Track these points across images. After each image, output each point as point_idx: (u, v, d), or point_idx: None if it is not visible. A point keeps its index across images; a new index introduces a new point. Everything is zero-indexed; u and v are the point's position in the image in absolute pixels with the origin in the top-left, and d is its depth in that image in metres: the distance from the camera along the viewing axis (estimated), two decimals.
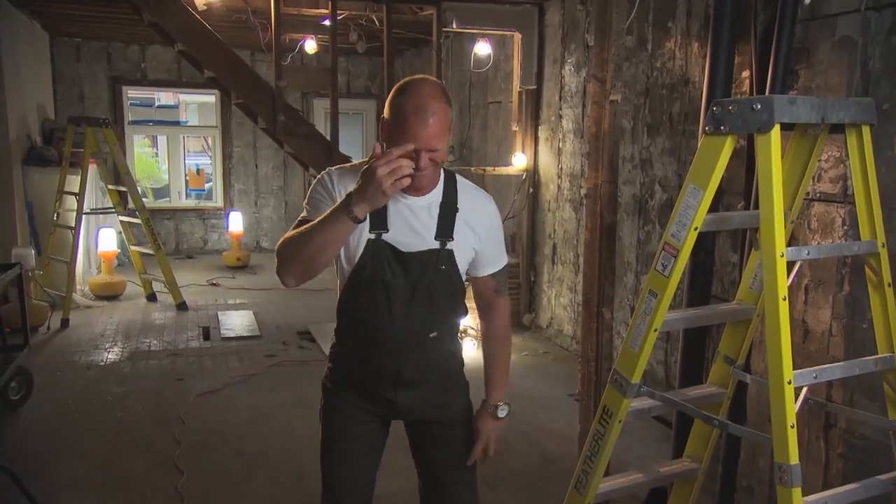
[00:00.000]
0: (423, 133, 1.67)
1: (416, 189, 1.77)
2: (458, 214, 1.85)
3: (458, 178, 1.91)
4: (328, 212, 1.66)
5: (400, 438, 2.11)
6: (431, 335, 1.89)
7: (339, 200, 1.68)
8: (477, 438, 2.01)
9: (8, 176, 6.13)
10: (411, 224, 1.81)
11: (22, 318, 4.55)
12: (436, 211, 1.83)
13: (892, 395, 2.02)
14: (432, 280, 1.83)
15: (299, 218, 1.82)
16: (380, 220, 1.79)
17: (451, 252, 1.84)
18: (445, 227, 1.83)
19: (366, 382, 1.94)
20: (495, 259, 1.97)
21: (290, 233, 1.75)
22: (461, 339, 2.11)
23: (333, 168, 1.87)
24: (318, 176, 1.87)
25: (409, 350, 1.87)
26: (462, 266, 1.89)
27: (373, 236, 1.80)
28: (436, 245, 1.83)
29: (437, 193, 1.84)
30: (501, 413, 2.01)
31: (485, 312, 2.04)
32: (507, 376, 2.06)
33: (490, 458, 2.06)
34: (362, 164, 1.78)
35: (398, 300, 1.82)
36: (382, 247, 1.80)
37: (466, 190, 1.89)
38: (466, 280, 1.96)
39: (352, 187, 1.66)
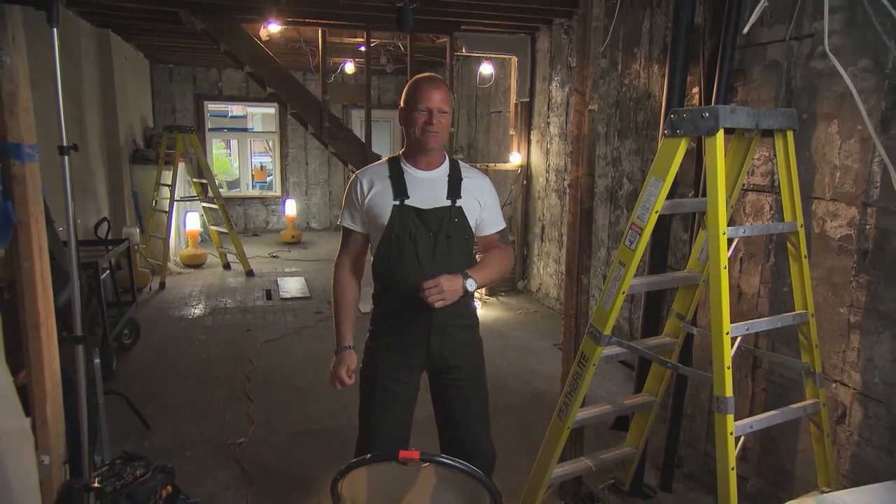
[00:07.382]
0: (435, 96, 1.78)
1: (430, 153, 1.82)
2: (462, 182, 1.86)
3: (460, 161, 1.94)
4: (339, 334, 1.94)
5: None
6: None
7: (367, 200, 1.82)
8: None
9: (119, 172, 6.22)
10: (426, 190, 1.83)
11: (130, 281, 4.64)
12: (445, 180, 1.86)
13: (805, 343, 2.03)
14: (448, 231, 1.82)
15: (343, 226, 1.92)
16: (401, 190, 1.82)
17: (460, 208, 1.84)
18: (454, 189, 1.85)
19: (404, 332, 1.85)
20: (496, 221, 1.94)
21: (337, 265, 1.95)
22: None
23: (360, 172, 1.89)
24: (351, 180, 1.90)
25: None
26: (471, 220, 1.86)
27: (398, 202, 1.81)
28: (447, 203, 1.83)
29: (444, 168, 1.87)
30: (469, 286, 1.75)
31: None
32: (493, 275, 1.84)
33: (433, 296, 1.67)
34: (389, 158, 1.89)
35: (424, 250, 1.80)
36: (406, 209, 1.81)
37: (467, 168, 1.93)
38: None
39: (379, 181, 1.82)
